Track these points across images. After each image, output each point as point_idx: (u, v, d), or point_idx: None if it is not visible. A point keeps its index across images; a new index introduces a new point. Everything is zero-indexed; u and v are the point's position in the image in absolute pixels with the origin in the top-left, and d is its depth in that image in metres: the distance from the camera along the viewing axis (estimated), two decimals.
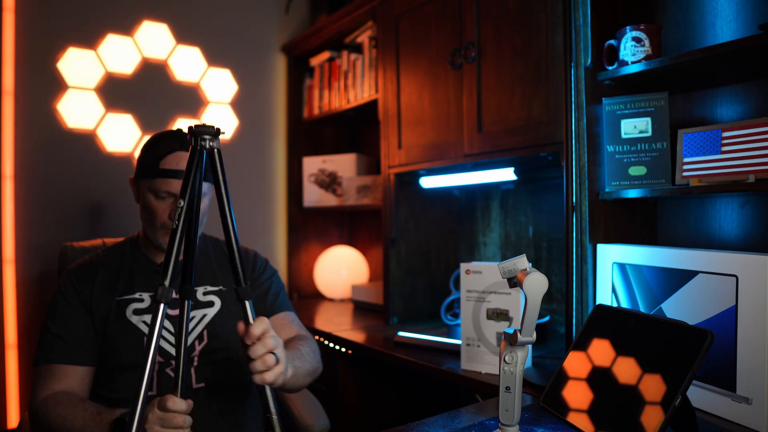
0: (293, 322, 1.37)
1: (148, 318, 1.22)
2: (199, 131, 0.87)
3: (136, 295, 1.25)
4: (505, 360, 0.89)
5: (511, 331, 0.89)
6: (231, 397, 1.27)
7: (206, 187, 1.29)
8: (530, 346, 1.36)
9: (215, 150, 0.89)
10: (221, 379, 1.26)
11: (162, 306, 0.85)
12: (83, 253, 1.53)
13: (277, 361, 0.94)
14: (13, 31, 2.04)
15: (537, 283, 0.84)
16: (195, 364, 1.24)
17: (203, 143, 0.87)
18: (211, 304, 1.28)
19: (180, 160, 1.23)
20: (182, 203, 0.85)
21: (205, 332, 1.25)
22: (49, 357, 1.18)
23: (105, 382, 1.22)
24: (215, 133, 0.88)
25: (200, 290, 1.30)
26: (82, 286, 1.25)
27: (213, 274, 1.34)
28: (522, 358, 0.88)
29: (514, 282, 0.89)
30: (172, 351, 1.23)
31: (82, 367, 1.19)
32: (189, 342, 1.24)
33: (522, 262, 0.88)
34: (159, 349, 1.22)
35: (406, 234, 2.07)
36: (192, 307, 1.25)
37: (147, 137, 2.29)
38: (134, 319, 1.22)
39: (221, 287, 1.32)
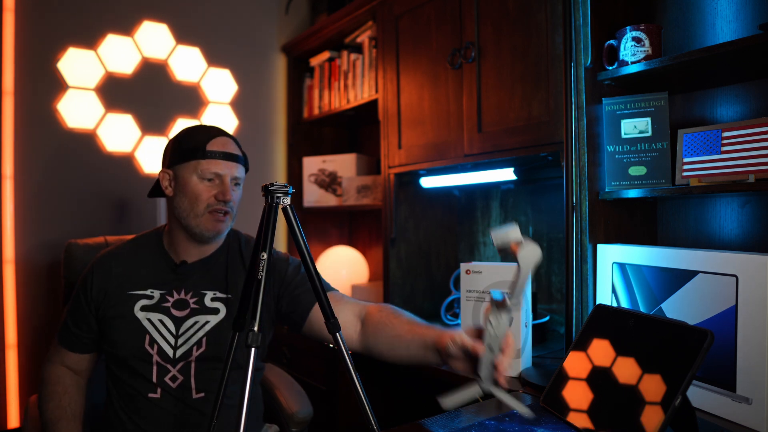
0: (344, 297, 1.31)
1: (154, 315, 1.25)
2: (274, 190, 0.94)
3: (148, 291, 1.28)
4: (489, 322, 0.92)
5: (500, 297, 0.92)
6: (231, 405, 1.26)
7: (242, 172, 1.32)
8: (529, 344, 1.36)
9: (288, 207, 0.96)
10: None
11: (253, 351, 0.88)
12: (87, 250, 1.55)
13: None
14: (13, 31, 2.04)
15: (532, 253, 0.90)
16: (193, 371, 1.24)
17: (278, 200, 0.94)
18: (216, 311, 1.26)
19: (226, 144, 1.27)
20: (264, 256, 0.92)
21: (204, 339, 1.23)
22: (59, 338, 1.33)
23: (110, 373, 1.29)
24: (287, 191, 0.95)
25: (209, 295, 1.28)
26: (97, 280, 1.30)
27: (224, 280, 1.31)
28: (506, 321, 0.92)
29: (506, 252, 0.93)
30: (171, 353, 1.22)
31: (80, 354, 1.33)
32: (187, 347, 1.23)
33: (515, 232, 0.92)
34: (159, 351, 1.22)
35: (406, 234, 2.07)
36: (197, 311, 1.26)
37: (147, 137, 2.32)
38: (140, 315, 1.24)
39: (229, 295, 1.29)
